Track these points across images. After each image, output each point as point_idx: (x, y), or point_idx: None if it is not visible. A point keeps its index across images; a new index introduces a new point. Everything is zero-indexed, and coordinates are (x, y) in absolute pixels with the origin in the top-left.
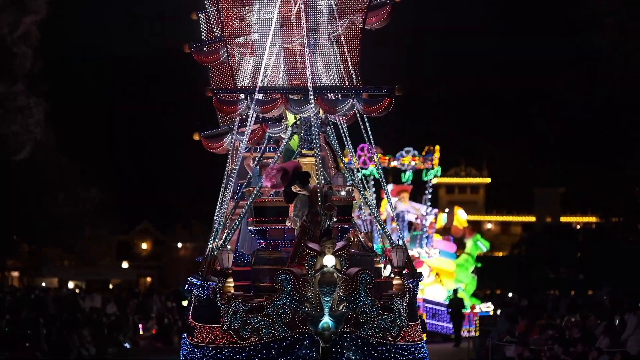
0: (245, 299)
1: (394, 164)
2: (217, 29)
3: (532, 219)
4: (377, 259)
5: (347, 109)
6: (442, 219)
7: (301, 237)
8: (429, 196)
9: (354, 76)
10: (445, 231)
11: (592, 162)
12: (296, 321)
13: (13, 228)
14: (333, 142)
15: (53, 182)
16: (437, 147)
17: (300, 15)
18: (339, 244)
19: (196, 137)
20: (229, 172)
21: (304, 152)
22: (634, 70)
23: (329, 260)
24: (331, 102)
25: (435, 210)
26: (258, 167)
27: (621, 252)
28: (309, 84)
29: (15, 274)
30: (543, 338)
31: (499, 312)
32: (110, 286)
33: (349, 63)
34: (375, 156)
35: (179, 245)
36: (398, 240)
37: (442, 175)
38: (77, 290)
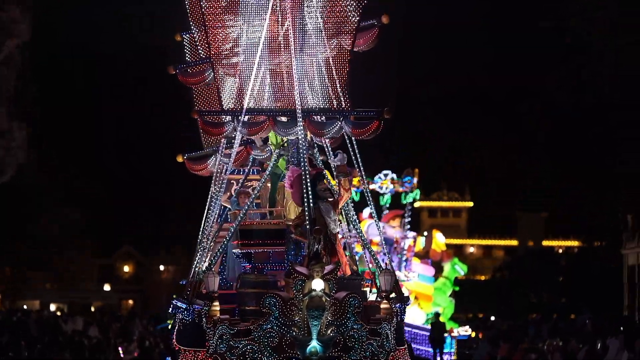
0: (231, 323)
1: (372, 187)
2: (202, 49)
3: (515, 242)
4: (363, 282)
5: (335, 132)
6: (421, 242)
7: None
8: (408, 219)
9: (342, 98)
10: (423, 254)
11: (581, 160)
12: (283, 345)
13: None
14: (320, 164)
15: (35, 205)
16: (417, 170)
17: (287, 37)
18: (328, 268)
19: (180, 159)
20: (213, 194)
21: (287, 175)
22: (623, 68)
23: (318, 285)
24: (319, 124)
25: (414, 233)
26: (235, 195)
27: (603, 277)
28: (297, 106)
29: None
30: None
31: (480, 335)
32: (92, 309)
33: (337, 85)
34: (363, 180)
35: (161, 268)
36: (385, 264)
37: (425, 199)
38: (59, 313)
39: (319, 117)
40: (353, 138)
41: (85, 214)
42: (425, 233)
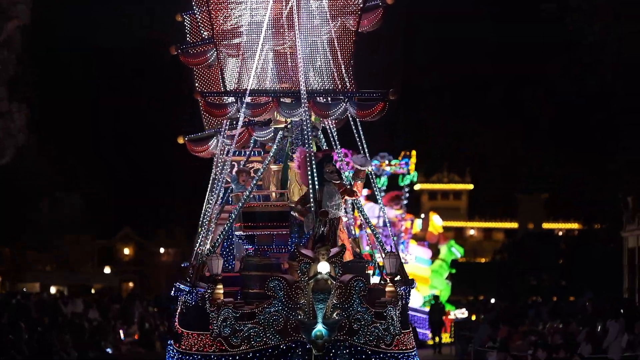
0: (235, 306)
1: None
2: (204, 30)
3: (515, 225)
4: (367, 265)
5: (340, 113)
6: (418, 224)
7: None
8: (405, 202)
9: (346, 80)
10: (420, 237)
11: (583, 146)
12: (288, 329)
13: None
14: (324, 146)
15: (35, 188)
16: (414, 152)
17: (291, 17)
18: (333, 251)
19: (180, 140)
20: (215, 176)
21: (295, 156)
22: (625, 56)
23: (324, 267)
24: (324, 105)
25: (411, 216)
26: (235, 173)
27: (603, 259)
28: (301, 87)
29: None
30: (525, 344)
31: (481, 317)
32: (92, 291)
33: (342, 66)
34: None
35: (161, 250)
36: (390, 246)
37: (425, 182)
38: (59, 295)
39: (322, 98)
40: (358, 119)
41: (85, 197)
42: (423, 215)
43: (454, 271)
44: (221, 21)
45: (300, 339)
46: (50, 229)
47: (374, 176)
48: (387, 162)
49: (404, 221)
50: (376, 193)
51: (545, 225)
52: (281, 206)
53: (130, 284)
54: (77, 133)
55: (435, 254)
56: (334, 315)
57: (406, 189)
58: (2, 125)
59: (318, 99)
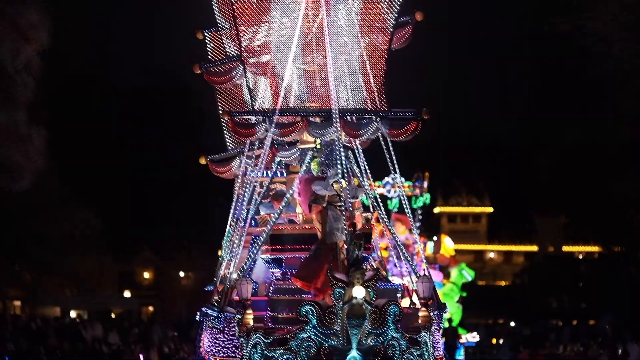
0: (266, 332)
1: (380, 190)
2: (230, 47)
3: (535, 248)
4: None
5: (372, 133)
6: (430, 247)
7: (327, 259)
8: (418, 224)
9: (377, 98)
10: (432, 260)
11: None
12: (322, 355)
13: (13, 257)
14: (354, 167)
15: (53, 211)
16: (427, 174)
17: (320, 34)
18: (368, 274)
19: (202, 161)
20: (237, 197)
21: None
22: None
23: (359, 292)
24: (355, 125)
25: (424, 238)
26: (272, 196)
27: (623, 282)
28: (333, 105)
29: (17, 303)
30: None
31: (501, 341)
32: (113, 315)
33: (373, 84)
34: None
35: (181, 274)
36: (423, 270)
37: (444, 204)
38: (79, 320)
39: (350, 117)
40: (389, 139)
41: (104, 220)
42: (435, 238)
43: (464, 294)
44: (249, 38)
45: None
46: (69, 252)
47: (375, 200)
48: (399, 183)
49: (416, 244)
50: (382, 217)
51: (565, 248)
52: (309, 229)
53: (150, 308)
54: (96, 148)
55: (447, 277)
56: (369, 341)
57: (419, 211)
58: (22, 150)
59: (348, 118)
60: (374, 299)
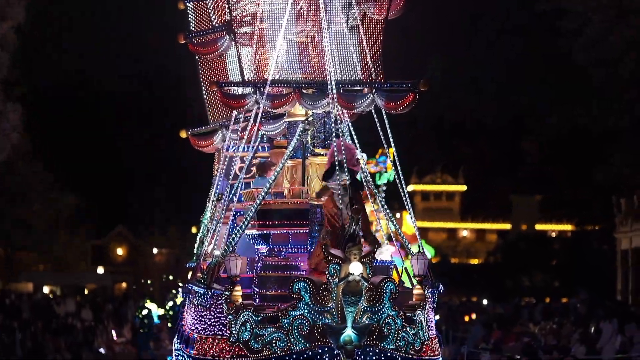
0: (256, 309)
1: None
2: (215, 17)
3: (508, 226)
4: (391, 267)
5: (367, 105)
6: (391, 225)
7: (325, 241)
8: (382, 201)
9: (372, 70)
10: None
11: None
12: (315, 333)
13: None
14: (348, 140)
15: (28, 188)
16: (392, 150)
17: (313, 3)
18: (365, 250)
19: (183, 134)
20: (219, 172)
21: (317, 150)
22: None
23: (356, 268)
24: (350, 97)
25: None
26: (257, 167)
27: (596, 260)
28: (328, 77)
29: None
30: (518, 345)
31: (473, 316)
32: (86, 291)
33: (368, 56)
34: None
35: (155, 251)
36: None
37: (418, 183)
38: (52, 296)
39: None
40: (384, 112)
41: (78, 196)
42: (398, 215)
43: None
44: (238, 7)
45: (327, 344)
46: (43, 228)
47: (368, 177)
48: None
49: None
50: (374, 194)
51: (539, 227)
52: (299, 203)
53: (124, 284)
54: (71, 132)
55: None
56: (364, 319)
57: (383, 188)
58: None
59: (342, 90)
60: (370, 275)
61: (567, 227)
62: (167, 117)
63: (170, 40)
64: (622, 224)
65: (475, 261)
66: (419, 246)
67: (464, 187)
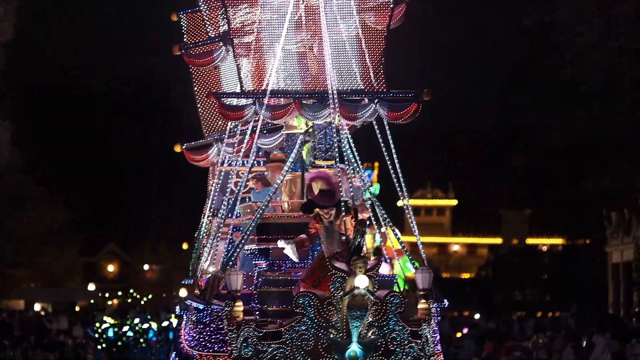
0: (258, 325)
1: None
2: (211, 29)
3: (499, 240)
4: (395, 281)
5: (369, 115)
6: (377, 239)
7: (323, 258)
8: (367, 216)
9: (374, 79)
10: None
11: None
12: (319, 349)
13: None
14: (349, 151)
15: (18, 203)
16: (377, 164)
17: (312, 13)
18: (370, 263)
19: (178, 148)
20: (214, 187)
21: (318, 162)
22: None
23: (362, 282)
24: (352, 107)
25: (373, 229)
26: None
27: (587, 274)
28: (329, 86)
29: None
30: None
31: (465, 331)
32: (77, 308)
33: (369, 65)
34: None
35: (146, 267)
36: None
37: (409, 197)
38: (43, 313)
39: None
40: (386, 122)
41: (69, 213)
42: (383, 229)
43: (407, 287)
44: (237, 18)
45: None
46: (34, 245)
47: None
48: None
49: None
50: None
51: (529, 241)
52: (299, 217)
53: (115, 301)
54: (63, 142)
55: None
56: (370, 334)
57: (367, 203)
58: None
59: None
60: (375, 289)
61: (558, 241)
62: (158, 113)
63: (165, 42)
64: (613, 237)
65: (466, 275)
66: (404, 261)
67: (454, 202)
